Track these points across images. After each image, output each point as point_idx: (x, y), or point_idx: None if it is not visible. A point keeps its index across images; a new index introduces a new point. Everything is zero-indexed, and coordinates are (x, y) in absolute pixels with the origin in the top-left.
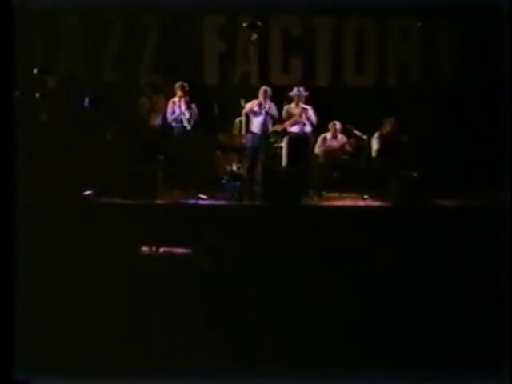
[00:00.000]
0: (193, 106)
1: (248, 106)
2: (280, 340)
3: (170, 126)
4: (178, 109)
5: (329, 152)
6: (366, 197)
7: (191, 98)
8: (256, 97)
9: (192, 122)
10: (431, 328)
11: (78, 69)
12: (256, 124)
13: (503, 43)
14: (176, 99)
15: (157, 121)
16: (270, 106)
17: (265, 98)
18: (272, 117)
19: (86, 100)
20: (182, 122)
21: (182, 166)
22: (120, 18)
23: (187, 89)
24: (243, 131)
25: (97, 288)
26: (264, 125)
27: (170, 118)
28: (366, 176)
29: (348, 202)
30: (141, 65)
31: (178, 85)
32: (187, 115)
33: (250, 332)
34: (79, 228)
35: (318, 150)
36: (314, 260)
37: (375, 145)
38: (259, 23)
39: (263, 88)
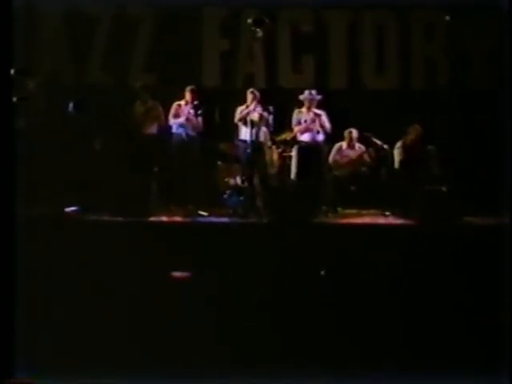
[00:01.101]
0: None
1: (238, 113)
2: (281, 342)
3: (170, 132)
4: (184, 113)
5: (345, 163)
6: (387, 213)
7: (198, 103)
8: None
9: (195, 130)
10: (432, 331)
11: (61, 69)
12: (247, 131)
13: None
14: (182, 102)
15: (152, 129)
16: (262, 111)
17: (253, 101)
18: (266, 122)
19: (71, 104)
20: (185, 127)
21: (179, 178)
22: (108, 11)
23: (197, 94)
24: (248, 139)
25: (95, 289)
26: (257, 131)
27: (172, 121)
28: (388, 190)
29: (367, 220)
30: (132, 65)
31: (188, 88)
32: (194, 122)
33: (251, 335)
34: (61, 248)
35: (332, 160)
36: (327, 283)
37: (398, 155)
38: (266, 18)
39: (250, 91)
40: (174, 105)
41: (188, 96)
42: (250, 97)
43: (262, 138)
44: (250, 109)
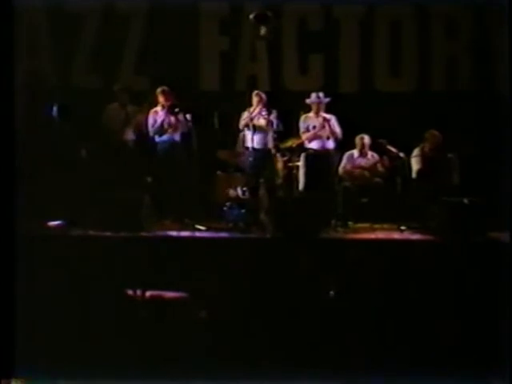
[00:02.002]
0: (181, 113)
1: (243, 118)
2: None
3: (153, 141)
4: (160, 118)
5: (356, 173)
6: (403, 228)
7: (181, 104)
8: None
9: (180, 130)
10: (433, 332)
11: (43, 70)
12: (253, 138)
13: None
14: (158, 108)
15: (132, 135)
16: (269, 115)
17: (259, 105)
18: (273, 127)
19: (55, 109)
20: (165, 133)
21: (174, 189)
22: (96, 7)
23: (172, 95)
24: (250, 146)
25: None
26: (261, 138)
27: (151, 130)
28: (404, 203)
29: (380, 235)
30: (121, 66)
31: (159, 90)
32: (170, 124)
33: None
34: (44, 267)
35: (342, 170)
36: (336, 303)
37: (415, 164)
38: (270, 14)
39: (256, 93)
40: (151, 113)
41: (161, 99)
42: (255, 100)
43: (266, 145)
44: (255, 113)
